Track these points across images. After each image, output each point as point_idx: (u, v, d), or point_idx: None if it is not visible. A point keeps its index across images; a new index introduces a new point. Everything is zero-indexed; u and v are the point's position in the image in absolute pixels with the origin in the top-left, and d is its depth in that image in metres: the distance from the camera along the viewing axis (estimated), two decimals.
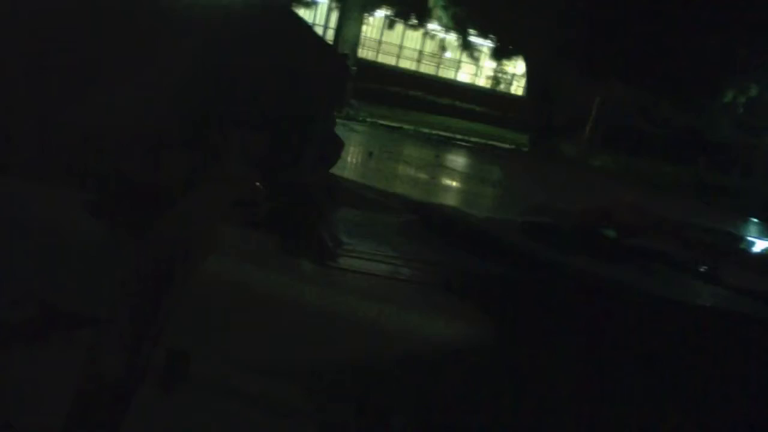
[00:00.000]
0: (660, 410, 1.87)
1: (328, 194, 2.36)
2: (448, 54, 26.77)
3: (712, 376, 1.90)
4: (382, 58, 26.05)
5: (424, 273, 2.09)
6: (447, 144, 18.16)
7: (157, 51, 2.05)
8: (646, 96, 19.97)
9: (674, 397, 1.88)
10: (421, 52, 27.04)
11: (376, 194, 3.03)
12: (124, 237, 1.84)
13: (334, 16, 23.25)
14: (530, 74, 21.46)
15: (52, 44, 2.04)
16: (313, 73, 2.24)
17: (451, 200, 10.19)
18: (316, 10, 23.90)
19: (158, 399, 1.91)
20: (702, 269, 2.52)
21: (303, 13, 20.39)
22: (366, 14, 21.89)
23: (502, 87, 27.83)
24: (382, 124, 18.34)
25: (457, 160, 16.33)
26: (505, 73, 27.54)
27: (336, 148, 2.44)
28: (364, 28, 22.43)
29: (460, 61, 27.21)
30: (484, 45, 24.58)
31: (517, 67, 26.55)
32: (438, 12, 19.97)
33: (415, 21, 22.08)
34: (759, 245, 3.84)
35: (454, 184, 13.13)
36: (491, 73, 27.38)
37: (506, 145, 20.45)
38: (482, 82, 28.31)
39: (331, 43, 16.04)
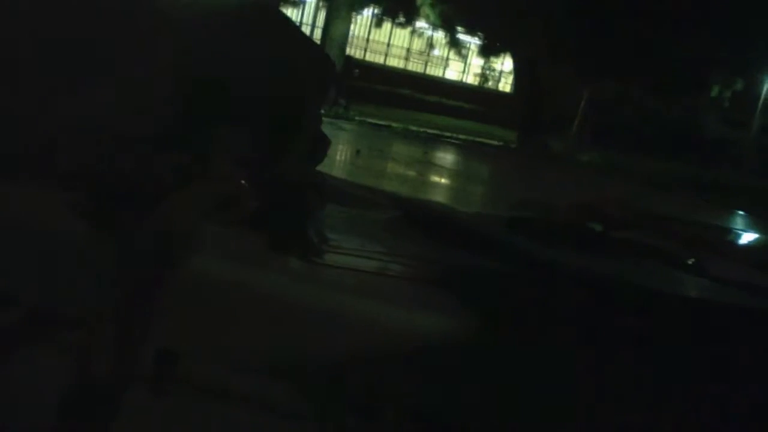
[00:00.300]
0: (647, 400, 1.88)
1: (314, 192, 2.35)
2: (436, 51, 26.75)
3: (699, 365, 1.92)
4: (370, 57, 26.00)
5: (411, 269, 2.09)
6: (435, 141, 18.15)
7: (142, 50, 2.05)
8: (634, 92, 20.05)
9: (661, 386, 1.89)
10: (408, 50, 27.00)
11: (363, 191, 3.03)
12: (109, 236, 1.83)
13: (322, 15, 23.20)
14: (518, 71, 21.48)
15: (36, 43, 2.04)
16: (299, 71, 2.24)
17: (439, 197, 10.19)
18: (303, 9, 23.82)
19: (148, 399, 1.90)
20: (689, 262, 2.53)
21: (290, 12, 20.34)
22: (354, 13, 21.84)
23: (490, 84, 27.82)
24: (370, 122, 18.32)
25: (446, 157, 16.33)
26: (493, 70, 27.55)
27: (322, 146, 2.43)
28: (351, 26, 22.40)
29: (448, 59, 27.18)
30: (472, 42, 24.60)
31: (504, 64, 26.56)
32: (426, 10, 19.94)
33: (402, 19, 22.03)
34: (746, 237, 3.87)
35: (443, 181, 13.14)
36: (479, 71, 27.36)
37: (494, 142, 20.46)
38: (470, 79, 28.28)
39: (317, 42, 16.03)
